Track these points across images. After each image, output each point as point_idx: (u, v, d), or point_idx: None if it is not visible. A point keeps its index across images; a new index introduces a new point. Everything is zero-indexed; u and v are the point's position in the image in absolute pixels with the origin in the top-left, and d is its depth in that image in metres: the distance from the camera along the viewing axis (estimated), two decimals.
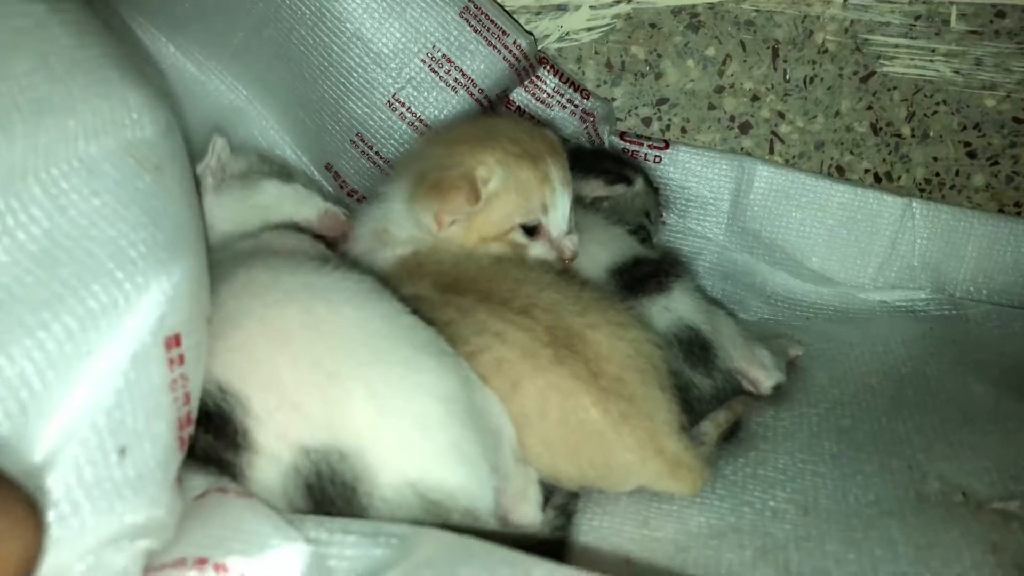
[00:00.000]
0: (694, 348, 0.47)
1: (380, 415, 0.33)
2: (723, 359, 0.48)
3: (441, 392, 0.35)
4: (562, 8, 0.65)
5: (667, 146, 0.64)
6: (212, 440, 0.33)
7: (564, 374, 0.39)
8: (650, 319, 0.47)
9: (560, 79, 0.64)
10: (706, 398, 0.47)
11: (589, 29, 0.66)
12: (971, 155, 0.67)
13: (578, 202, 0.55)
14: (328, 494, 0.32)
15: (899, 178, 0.68)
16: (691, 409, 0.44)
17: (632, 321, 0.43)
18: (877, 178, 0.68)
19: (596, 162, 0.60)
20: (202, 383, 0.32)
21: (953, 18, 0.63)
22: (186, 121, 0.59)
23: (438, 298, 0.42)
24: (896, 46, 0.64)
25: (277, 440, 0.32)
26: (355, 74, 0.57)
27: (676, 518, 0.40)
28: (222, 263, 0.37)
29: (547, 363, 0.39)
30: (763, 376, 0.50)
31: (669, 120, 0.68)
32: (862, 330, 0.61)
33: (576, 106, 0.65)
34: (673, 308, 0.48)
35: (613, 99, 0.68)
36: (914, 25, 0.63)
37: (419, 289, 0.43)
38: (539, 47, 0.66)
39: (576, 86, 0.65)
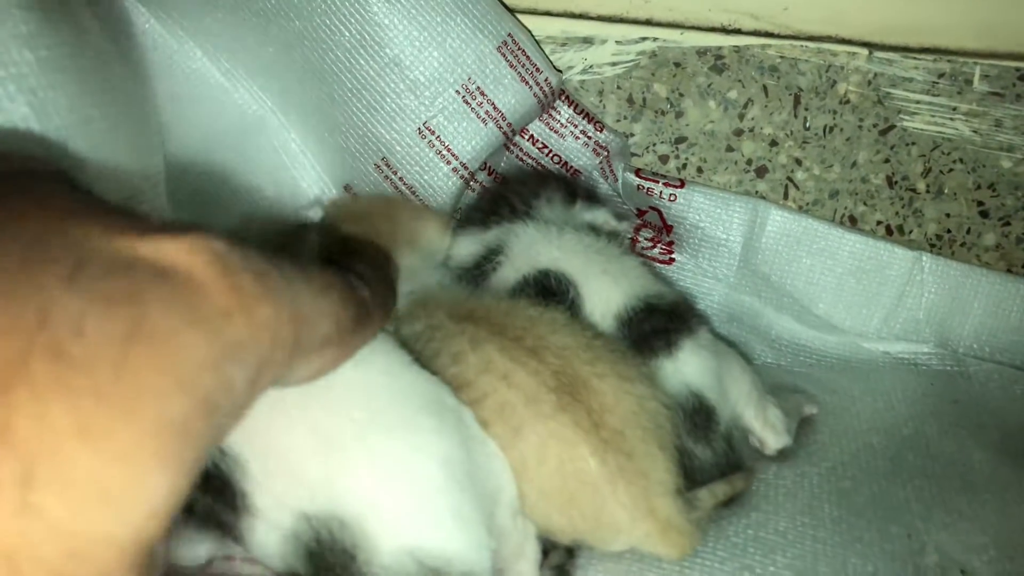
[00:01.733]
0: (697, 418, 0.47)
1: (379, 481, 0.33)
2: (726, 423, 0.48)
3: (441, 455, 0.35)
4: (588, 41, 0.65)
5: (682, 185, 0.64)
6: (211, 502, 0.33)
7: (566, 421, 0.39)
8: (660, 377, 0.46)
9: (575, 110, 0.65)
10: (706, 468, 0.46)
11: (613, 64, 0.66)
12: (984, 214, 0.67)
13: (593, 231, 0.56)
14: (328, 561, 0.32)
15: (911, 232, 0.68)
16: (691, 479, 0.44)
17: (640, 377, 0.43)
18: (889, 230, 0.69)
19: (593, 190, 0.60)
20: None
21: (976, 78, 0.63)
22: (208, 127, 0.60)
23: (453, 327, 0.42)
24: (918, 102, 0.64)
25: (276, 505, 0.32)
26: (388, 99, 0.57)
27: None
28: None
29: (550, 410, 0.39)
30: (772, 439, 0.50)
31: (686, 159, 0.68)
32: (864, 383, 0.62)
33: (589, 137, 0.65)
34: (681, 371, 0.47)
35: (632, 135, 0.68)
36: (937, 82, 0.64)
37: (434, 320, 0.43)
38: (562, 78, 0.66)
39: (590, 118, 0.65)
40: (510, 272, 0.51)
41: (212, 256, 0.23)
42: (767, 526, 0.45)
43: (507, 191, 0.59)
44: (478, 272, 0.53)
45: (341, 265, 0.31)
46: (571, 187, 0.59)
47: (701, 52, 0.65)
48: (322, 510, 0.32)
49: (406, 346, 0.40)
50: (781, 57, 0.65)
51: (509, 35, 0.58)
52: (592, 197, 0.60)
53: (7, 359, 0.19)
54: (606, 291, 0.50)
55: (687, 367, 0.48)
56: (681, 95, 0.67)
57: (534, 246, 0.52)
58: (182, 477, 0.20)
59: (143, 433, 0.20)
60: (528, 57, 0.59)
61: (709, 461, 0.47)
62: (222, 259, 0.23)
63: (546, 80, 0.60)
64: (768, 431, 0.50)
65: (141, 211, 0.24)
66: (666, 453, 0.40)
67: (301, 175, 0.63)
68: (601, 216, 0.58)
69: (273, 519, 0.32)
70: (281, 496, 0.32)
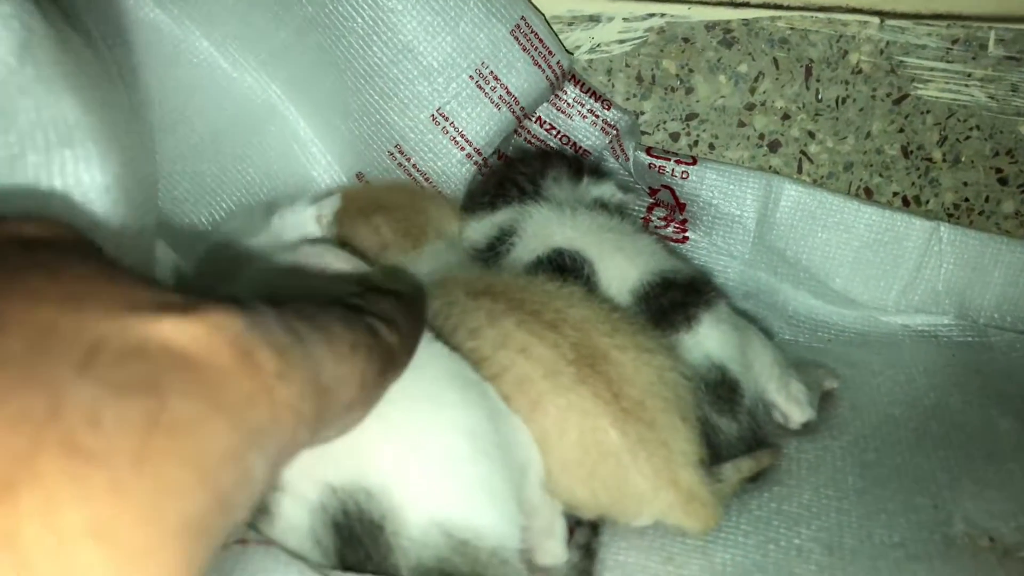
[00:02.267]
0: (720, 391, 0.46)
1: (405, 453, 0.33)
2: (751, 396, 0.48)
3: (467, 427, 0.34)
4: (595, 19, 0.65)
5: (695, 162, 0.64)
6: None
7: (585, 393, 0.39)
8: (681, 351, 0.46)
9: (581, 89, 0.64)
10: (732, 442, 0.46)
11: (621, 41, 0.65)
12: (1002, 181, 0.66)
13: (599, 206, 0.55)
14: (356, 532, 0.32)
15: (927, 202, 0.68)
16: (717, 454, 0.44)
17: (660, 348, 0.42)
18: (905, 201, 0.68)
19: (597, 164, 0.60)
20: None
21: (991, 43, 0.62)
22: (215, 117, 0.60)
23: (470, 303, 0.42)
24: (931, 69, 0.63)
25: (303, 478, 0.32)
26: (401, 86, 0.57)
27: (702, 554, 0.40)
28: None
29: (569, 381, 0.39)
30: (796, 412, 0.50)
31: (698, 136, 0.68)
32: (884, 356, 0.61)
33: (597, 116, 0.65)
34: (702, 344, 0.47)
35: (642, 113, 0.67)
36: (951, 49, 0.63)
37: (451, 296, 0.43)
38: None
39: (597, 96, 0.64)
40: (524, 252, 0.51)
41: (232, 336, 0.22)
42: (791, 499, 0.44)
43: (513, 172, 0.59)
44: (492, 253, 0.52)
45: (367, 305, 0.29)
46: (576, 164, 0.59)
47: (710, 26, 0.64)
48: (348, 481, 0.32)
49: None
50: (791, 29, 0.64)
51: (522, 18, 0.58)
52: (597, 172, 0.59)
53: (14, 455, 0.17)
54: (622, 267, 0.49)
55: (708, 340, 0.47)
56: (691, 71, 0.66)
57: (547, 226, 0.51)
58: (197, 574, 0.20)
59: (163, 533, 0.19)
60: (541, 40, 0.58)
61: (735, 435, 0.46)
62: (242, 339, 0.22)
63: (558, 63, 0.59)
64: (792, 404, 0.50)
65: (159, 281, 0.23)
66: (688, 424, 0.40)
67: (311, 164, 0.63)
68: (608, 190, 0.58)
69: (299, 492, 0.32)
70: (307, 468, 0.31)
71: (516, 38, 0.57)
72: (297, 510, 0.32)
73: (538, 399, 0.38)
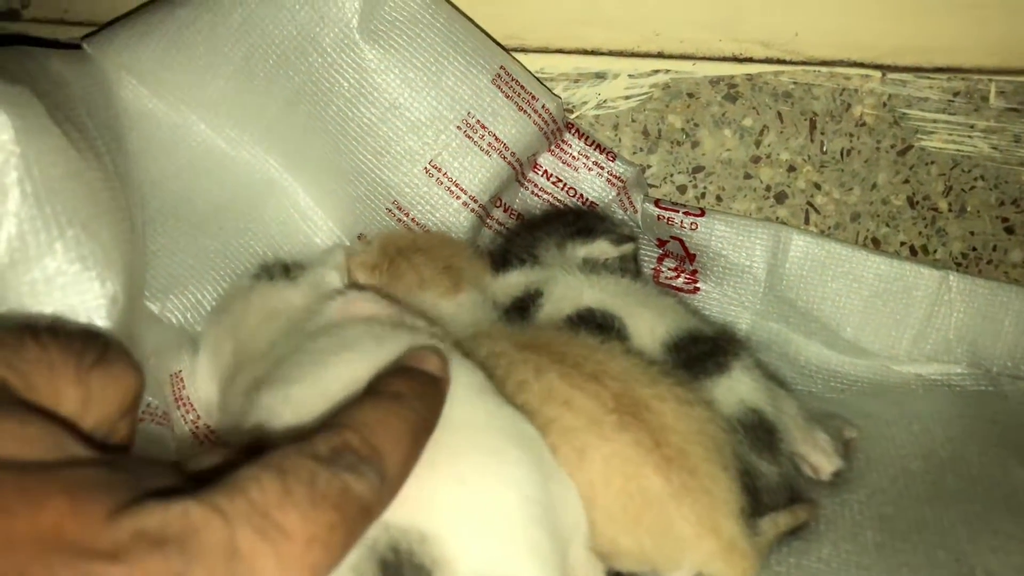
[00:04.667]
0: (759, 433, 0.46)
1: (465, 504, 0.33)
2: (788, 442, 0.48)
3: (525, 487, 0.34)
4: (601, 76, 0.66)
5: (703, 213, 0.64)
6: None
7: (627, 441, 0.39)
8: (715, 401, 0.46)
9: (585, 142, 0.65)
10: (773, 487, 0.45)
11: (627, 97, 0.67)
12: (1008, 231, 0.66)
13: (588, 266, 0.56)
14: (402, 573, 0.32)
15: (935, 252, 0.68)
16: (758, 499, 0.44)
17: (698, 399, 0.43)
18: (913, 251, 0.68)
19: (590, 222, 0.61)
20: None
21: (992, 95, 0.63)
22: (216, 196, 0.61)
23: (516, 355, 0.43)
24: (934, 121, 0.64)
25: None
26: (392, 143, 0.58)
27: None
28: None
29: (611, 430, 0.39)
30: (825, 462, 0.49)
31: (704, 188, 0.69)
32: (898, 406, 0.61)
33: (603, 168, 0.66)
34: (735, 390, 0.47)
35: (649, 166, 0.68)
36: (952, 101, 0.64)
37: (497, 347, 0.44)
38: (576, 114, 0.67)
39: (602, 149, 0.65)
40: (553, 311, 0.52)
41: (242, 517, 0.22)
42: (809, 554, 0.44)
43: (510, 245, 0.61)
44: (521, 311, 0.53)
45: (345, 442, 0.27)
46: (564, 228, 0.60)
47: (714, 82, 0.66)
48: (405, 521, 0.31)
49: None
50: (794, 83, 0.65)
51: (501, 67, 0.59)
52: (586, 232, 0.60)
53: None
54: (649, 322, 0.50)
55: (741, 385, 0.47)
56: (696, 125, 0.67)
57: (572, 290, 0.53)
58: None
59: None
60: (523, 87, 0.60)
61: (775, 480, 0.45)
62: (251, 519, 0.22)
63: (543, 107, 0.61)
64: (819, 454, 0.49)
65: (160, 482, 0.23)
66: (728, 474, 0.40)
67: (313, 231, 0.64)
68: (597, 248, 0.58)
69: None
70: None
71: (498, 87, 0.59)
72: None
73: (583, 449, 0.39)
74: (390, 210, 0.60)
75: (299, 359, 0.38)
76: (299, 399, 0.35)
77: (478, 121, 0.59)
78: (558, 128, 0.64)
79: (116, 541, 0.21)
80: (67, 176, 0.38)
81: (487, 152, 0.59)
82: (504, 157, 0.60)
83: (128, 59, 0.57)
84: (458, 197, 0.60)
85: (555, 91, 0.66)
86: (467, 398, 0.36)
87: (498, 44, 0.61)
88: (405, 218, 0.60)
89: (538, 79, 0.62)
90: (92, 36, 0.58)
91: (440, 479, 0.32)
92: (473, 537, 0.33)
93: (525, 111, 0.60)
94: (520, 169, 0.63)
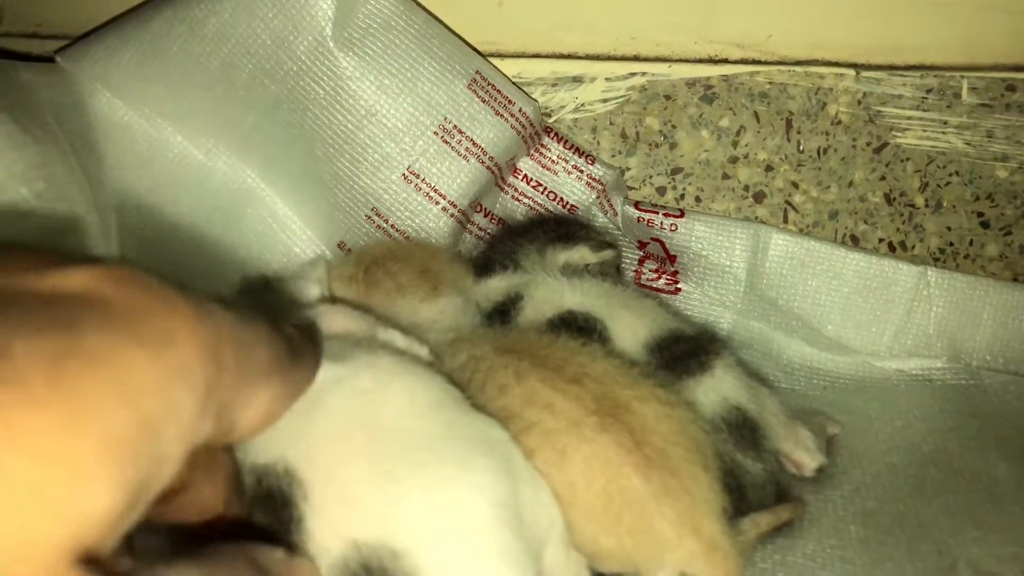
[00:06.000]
0: (743, 430, 0.46)
1: (432, 517, 0.33)
2: (771, 439, 0.48)
3: (493, 495, 0.34)
4: (578, 80, 0.66)
5: (682, 215, 0.65)
6: (270, 520, 0.33)
7: (607, 442, 0.39)
8: (695, 401, 0.46)
9: (564, 146, 0.65)
10: (759, 484, 0.45)
11: (604, 100, 0.67)
12: (984, 225, 0.67)
13: (568, 271, 0.56)
14: None
15: (913, 247, 0.68)
16: (744, 497, 0.44)
17: (679, 401, 0.43)
18: (891, 247, 0.69)
19: (571, 229, 0.61)
20: (272, 460, 0.33)
21: (964, 91, 0.64)
22: (195, 207, 0.60)
23: (497, 359, 0.43)
24: (909, 118, 0.65)
25: (328, 529, 0.32)
26: (370, 150, 0.58)
27: None
28: None
29: (591, 431, 0.39)
30: (807, 459, 0.50)
31: (684, 189, 0.69)
32: (879, 401, 0.61)
33: (582, 172, 0.66)
34: (718, 388, 0.47)
35: (628, 168, 0.69)
36: (926, 98, 0.64)
37: (478, 351, 0.44)
38: (555, 118, 0.67)
39: (581, 152, 0.66)
40: (534, 314, 0.52)
41: (146, 283, 0.23)
42: (794, 550, 0.44)
43: (492, 251, 0.61)
44: (503, 315, 0.53)
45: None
46: (545, 234, 0.60)
47: (690, 83, 0.66)
48: (374, 538, 0.32)
49: (453, 379, 0.40)
50: (770, 83, 0.65)
51: (477, 72, 0.59)
52: (566, 238, 0.60)
53: None
54: (631, 324, 0.50)
55: (724, 383, 0.48)
56: (673, 127, 0.67)
57: (554, 294, 0.53)
58: (123, 494, 0.20)
59: (83, 439, 0.20)
60: (499, 91, 0.60)
61: (761, 477, 0.46)
62: (156, 285, 0.23)
63: (520, 111, 0.61)
64: (801, 451, 0.50)
65: (64, 248, 0.25)
66: (710, 474, 0.40)
67: (292, 240, 0.64)
68: (577, 254, 0.59)
69: (323, 543, 0.32)
70: (334, 521, 0.32)
71: (474, 91, 0.59)
72: (317, 561, 0.32)
73: (564, 450, 0.39)
74: (369, 217, 0.60)
75: None
76: None
77: (455, 126, 0.59)
78: (536, 132, 0.64)
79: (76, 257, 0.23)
80: None
81: (465, 157, 0.59)
82: (482, 161, 0.60)
83: (102, 71, 0.57)
84: (437, 202, 0.60)
85: (533, 95, 0.66)
86: (426, 411, 0.36)
87: (473, 49, 0.61)
88: (385, 225, 0.60)
89: (514, 83, 0.62)
90: (65, 49, 0.57)
91: (406, 493, 0.33)
92: (443, 548, 0.33)
93: (502, 115, 0.60)
94: (499, 174, 0.63)
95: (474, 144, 0.59)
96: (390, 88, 0.57)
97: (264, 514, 0.33)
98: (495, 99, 0.60)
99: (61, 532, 0.19)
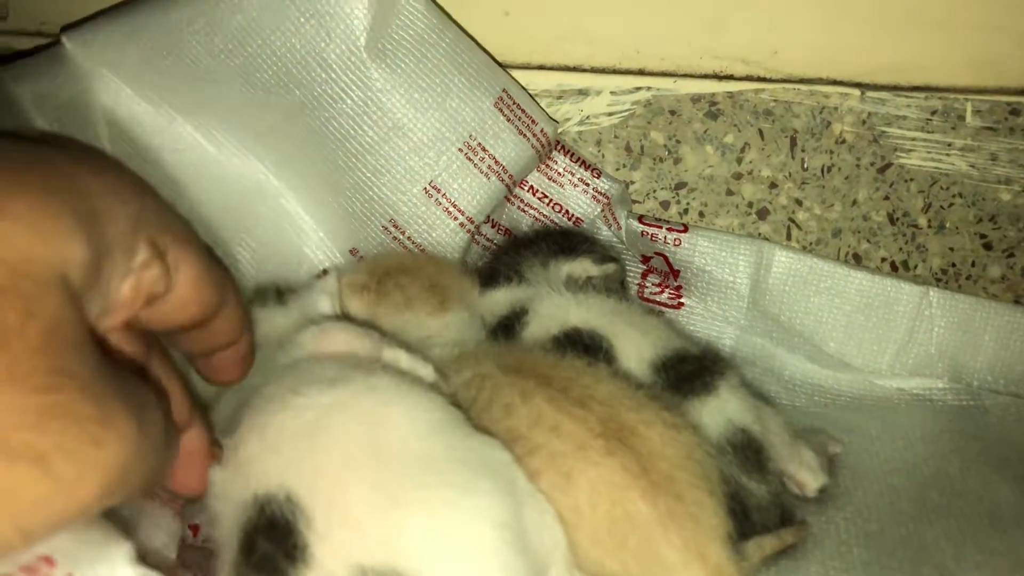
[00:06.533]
0: (748, 452, 0.46)
1: (436, 541, 0.33)
2: (775, 460, 0.48)
3: (496, 518, 0.34)
4: (583, 93, 0.66)
5: (686, 229, 0.65)
6: (273, 548, 0.33)
7: (614, 466, 0.39)
8: (699, 423, 0.46)
9: (571, 159, 0.65)
10: (764, 505, 0.45)
11: (609, 114, 0.67)
12: (987, 247, 0.67)
13: (572, 284, 0.56)
14: None
15: (915, 267, 0.69)
16: (749, 518, 0.44)
17: (685, 424, 0.43)
18: (894, 267, 0.69)
19: (574, 241, 0.61)
20: (274, 488, 0.33)
21: (968, 114, 0.64)
22: (206, 202, 0.60)
23: (503, 378, 0.43)
24: (913, 139, 0.65)
25: (334, 557, 0.32)
26: (393, 162, 0.58)
27: None
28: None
29: (597, 456, 0.39)
30: (810, 479, 0.50)
31: (687, 204, 0.69)
32: (881, 421, 0.61)
33: (588, 185, 0.66)
34: (723, 409, 0.47)
35: (632, 182, 0.69)
36: (930, 120, 0.64)
37: (484, 368, 0.44)
38: (560, 130, 0.67)
39: (587, 165, 0.65)
40: (539, 330, 0.52)
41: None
42: (797, 572, 0.44)
43: (497, 263, 0.61)
44: (507, 329, 0.53)
45: None
46: (548, 246, 0.60)
47: (695, 99, 0.66)
48: (379, 563, 0.32)
49: (457, 396, 0.41)
50: (775, 100, 0.65)
51: (504, 90, 0.59)
52: (568, 250, 0.60)
53: None
54: (637, 342, 0.50)
55: (729, 404, 0.48)
56: (678, 142, 0.67)
57: (559, 310, 0.53)
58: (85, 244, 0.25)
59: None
60: (523, 110, 0.60)
61: (766, 499, 0.46)
62: None
63: (542, 131, 0.61)
64: (804, 471, 0.50)
65: None
66: (715, 499, 0.40)
67: (303, 241, 0.63)
68: (579, 266, 0.59)
69: (328, 570, 0.32)
70: (339, 547, 0.32)
71: (500, 110, 0.59)
72: None
73: (569, 473, 0.39)
74: (386, 228, 0.60)
75: (256, 404, 0.38)
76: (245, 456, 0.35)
77: (479, 144, 0.59)
78: (550, 150, 0.64)
79: None
80: None
81: (487, 175, 0.59)
82: (502, 180, 0.60)
83: (112, 57, 0.55)
84: (456, 218, 0.59)
85: None
86: (428, 433, 0.36)
87: (501, 65, 0.61)
88: (401, 236, 0.60)
89: (536, 102, 0.62)
90: (72, 29, 0.55)
91: (410, 517, 0.33)
92: (448, 570, 0.33)
93: (525, 135, 0.60)
94: (511, 187, 0.63)
95: (496, 162, 0.59)
96: (419, 102, 0.56)
97: (268, 541, 0.33)
98: (519, 118, 0.60)
99: (49, 256, 0.23)
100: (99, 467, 0.23)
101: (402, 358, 0.42)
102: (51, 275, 0.23)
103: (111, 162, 0.29)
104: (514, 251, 0.61)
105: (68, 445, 0.22)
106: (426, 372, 0.42)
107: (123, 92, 0.57)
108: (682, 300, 0.67)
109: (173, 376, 0.34)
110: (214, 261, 0.33)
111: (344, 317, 0.48)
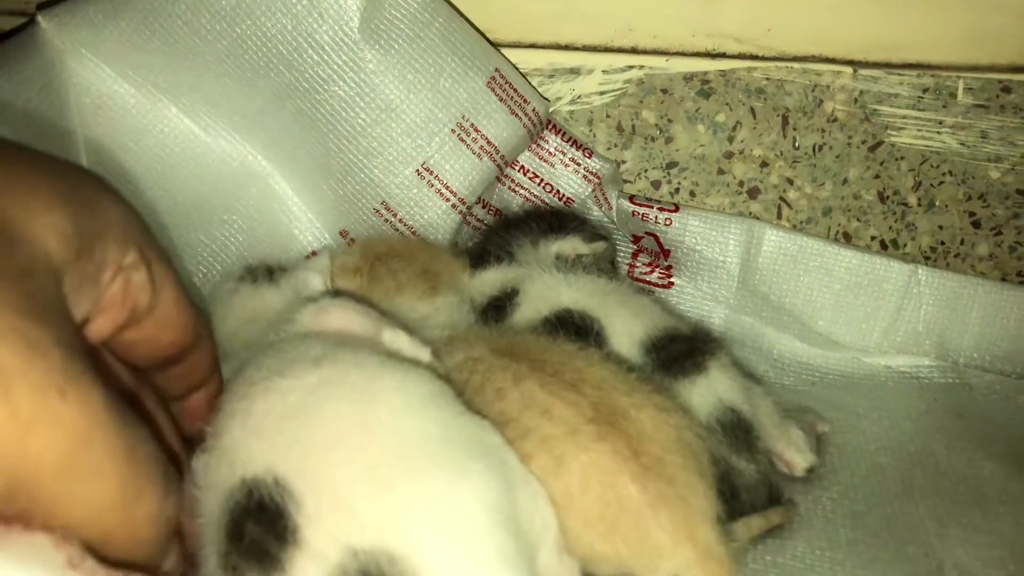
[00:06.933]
0: (737, 432, 0.46)
1: (428, 522, 0.33)
2: (764, 440, 0.48)
3: (488, 500, 0.34)
4: (575, 72, 0.66)
5: (677, 209, 0.65)
6: (262, 532, 0.32)
7: (605, 450, 0.39)
8: (689, 402, 0.47)
9: (562, 138, 0.65)
10: (752, 484, 0.46)
11: (601, 93, 0.66)
12: (975, 225, 0.68)
13: (562, 263, 0.56)
14: None
15: (905, 246, 0.69)
16: (737, 497, 0.44)
17: (676, 407, 0.43)
18: (883, 245, 0.69)
19: (564, 220, 0.61)
20: (261, 472, 0.33)
21: (960, 92, 0.64)
22: (194, 185, 0.59)
23: (495, 361, 0.43)
24: (904, 117, 0.65)
25: (325, 539, 0.32)
26: (385, 144, 0.57)
27: None
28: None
29: (588, 440, 0.39)
30: (799, 459, 0.50)
31: (679, 183, 0.69)
32: (868, 398, 0.62)
33: (579, 164, 0.66)
34: (713, 389, 0.48)
35: (623, 162, 0.68)
36: (922, 97, 0.64)
37: (475, 352, 0.44)
38: (552, 109, 0.67)
39: (579, 145, 0.65)
40: (530, 311, 0.52)
41: None
42: (784, 551, 0.45)
43: (487, 243, 0.61)
44: (498, 310, 0.53)
45: None
46: (538, 225, 0.60)
47: (687, 77, 0.66)
48: (371, 545, 0.32)
49: (450, 378, 0.40)
50: (767, 79, 0.65)
51: (496, 70, 0.59)
52: (557, 228, 0.60)
53: None
54: (628, 323, 0.50)
55: (719, 384, 0.48)
56: (670, 121, 0.67)
57: (550, 291, 0.53)
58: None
59: None
60: (515, 89, 0.59)
61: (755, 477, 0.46)
62: None
63: (534, 110, 0.60)
64: (793, 451, 0.50)
65: None
66: (705, 481, 0.40)
67: (293, 222, 0.63)
68: (569, 244, 0.59)
69: (320, 552, 0.32)
70: (331, 529, 0.32)
71: (492, 89, 0.58)
72: (313, 570, 0.32)
73: (561, 457, 0.39)
74: (377, 210, 0.59)
75: (237, 388, 0.37)
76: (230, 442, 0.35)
77: (472, 124, 0.58)
78: (542, 129, 0.63)
79: None
80: None
81: (479, 155, 0.59)
82: (494, 160, 0.60)
83: (91, 37, 0.54)
84: (448, 199, 0.59)
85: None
86: (420, 408, 0.36)
87: (493, 45, 0.60)
88: (393, 219, 0.59)
89: (528, 81, 0.61)
90: (49, 8, 0.54)
91: (402, 498, 0.33)
92: (441, 552, 0.33)
93: (517, 115, 0.59)
94: (503, 167, 0.62)
95: (488, 143, 0.59)
96: (412, 83, 0.56)
97: (257, 526, 0.32)
98: (511, 98, 0.59)
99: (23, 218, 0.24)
100: (58, 421, 0.22)
101: (403, 338, 0.41)
102: (24, 234, 0.24)
103: (100, 177, 0.30)
104: (504, 231, 0.61)
105: (34, 379, 0.22)
106: (424, 354, 0.42)
107: (102, 72, 0.56)
108: (672, 280, 0.67)
109: (164, 412, 0.34)
110: (188, 291, 0.33)
111: (341, 294, 0.48)
